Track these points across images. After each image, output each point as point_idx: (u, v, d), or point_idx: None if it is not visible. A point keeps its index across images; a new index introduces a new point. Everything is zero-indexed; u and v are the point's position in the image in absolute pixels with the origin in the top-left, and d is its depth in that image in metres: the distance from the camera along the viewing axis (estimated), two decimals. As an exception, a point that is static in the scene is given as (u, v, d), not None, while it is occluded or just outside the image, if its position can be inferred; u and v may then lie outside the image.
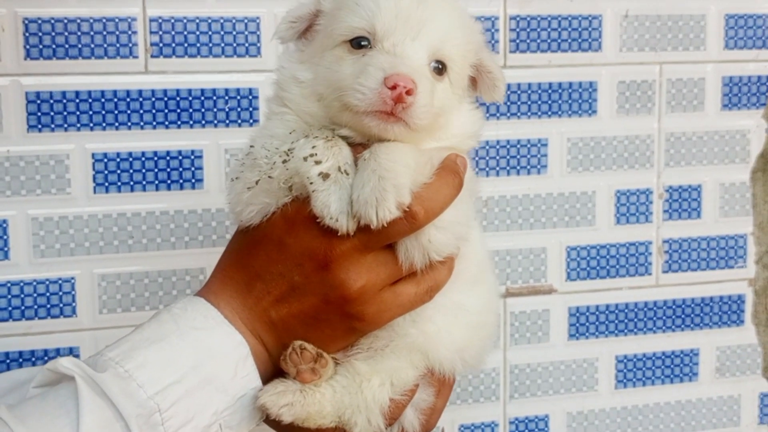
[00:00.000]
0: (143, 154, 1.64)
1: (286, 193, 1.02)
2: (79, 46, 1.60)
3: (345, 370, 1.07)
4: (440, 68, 1.07)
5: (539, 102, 1.80)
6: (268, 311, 1.05)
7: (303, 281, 1.03)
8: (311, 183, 0.98)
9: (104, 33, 1.61)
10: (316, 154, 1.00)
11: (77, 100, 1.60)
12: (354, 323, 1.04)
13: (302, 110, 1.08)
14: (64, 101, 1.60)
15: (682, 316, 1.93)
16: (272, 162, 1.02)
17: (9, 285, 1.61)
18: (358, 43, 1.04)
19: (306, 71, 1.09)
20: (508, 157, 1.80)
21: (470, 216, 1.12)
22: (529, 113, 1.80)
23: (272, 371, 1.07)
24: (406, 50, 1.03)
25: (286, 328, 1.05)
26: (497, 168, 1.80)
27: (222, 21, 1.65)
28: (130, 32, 1.62)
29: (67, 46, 1.59)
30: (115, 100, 1.62)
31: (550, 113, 1.81)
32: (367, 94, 1.00)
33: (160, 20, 1.63)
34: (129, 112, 1.63)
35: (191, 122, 1.66)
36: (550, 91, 1.81)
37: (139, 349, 0.98)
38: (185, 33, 1.64)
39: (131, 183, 1.64)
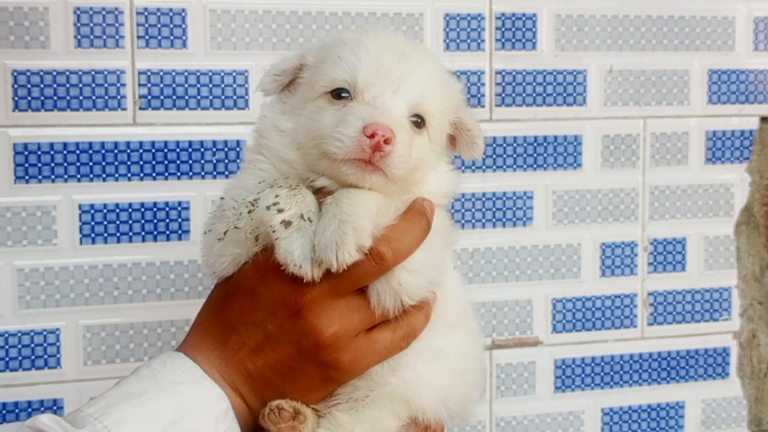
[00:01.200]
0: (130, 205, 1.64)
1: (254, 243, 1.03)
2: (68, 97, 1.61)
3: (327, 422, 1.06)
4: (419, 122, 1.08)
5: (525, 155, 1.82)
6: (244, 363, 1.04)
7: (276, 330, 1.03)
8: (274, 231, 0.99)
9: (93, 85, 1.62)
10: (278, 203, 1.00)
11: (65, 152, 1.61)
12: (330, 372, 1.04)
13: (280, 158, 1.09)
14: (52, 152, 1.60)
15: (668, 368, 1.93)
16: (239, 213, 1.03)
17: (-7, 336, 1.60)
18: (338, 95, 1.06)
19: (287, 121, 1.10)
20: (494, 209, 1.81)
21: (444, 261, 1.12)
22: (514, 166, 1.82)
23: (252, 424, 1.07)
24: (386, 102, 1.05)
25: (264, 380, 1.05)
26: (483, 220, 1.81)
27: (210, 74, 1.66)
28: (118, 84, 1.63)
29: (55, 97, 1.60)
30: (103, 151, 1.63)
31: (535, 166, 1.83)
32: (345, 141, 1.01)
33: (148, 73, 1.64)
34: (117, 163, 1.63)
35: (179, 174, 1.66)
36: (535, 144, 1.82)
37: (118, 404, 0.98)
38: (173, 85, 1.65)
39: (118, 234, 1.64)
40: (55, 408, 1.62)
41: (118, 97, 1.63)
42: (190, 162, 1.66)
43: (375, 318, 1.04)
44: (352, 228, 0.97)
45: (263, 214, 1.01)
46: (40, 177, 1.60)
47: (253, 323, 1.04)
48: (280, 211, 1.00)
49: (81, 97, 1.61)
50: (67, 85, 1.61)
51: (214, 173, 1.68)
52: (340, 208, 0.99)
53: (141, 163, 1.64)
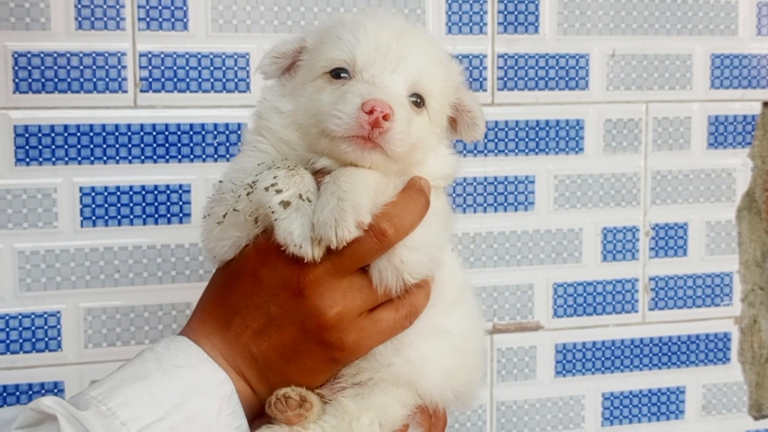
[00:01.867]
0: (131, 188, 1.64)
1: (254, 225, 1.03)
2: (69, 80, 1.60)
3: (333, 409, 1.06)
4: (418, 102, 1.08)
5: (526, 139, 1.81)
6: (248, 346, 1.04)
7: (279, 311, 1.03)
8: (273, 212, 0.99)
9: (94, 67, 1.61)
10: (276, 184, 1.00)
11: (66, 134, 1.61)
12: (334, 352, 1.04)
13: (280, 139, 1.09)
14: (53, 135, 1.60)
15: (669, 353, 1.93)
16: (237, 195, 1.03)
17: (-6, 319, 1.60)
18: (337, 75, 1.06)
19: (287, 103, 1.10)
20: (495, 193, 1.81)
21: (443, 240, 1.12)
22: (516, 150, 1.81)
23: (257, 408, 1.07)
24: (384, 80, 1.05)
25: (268, 363, 1.04)
26: (484, 204, 1.81)
27: (211, 56, 1.66)
28: (119, 67, 1.62)
29: (56, 80, 1.60)
30: (104, 134, 1.62)
31: (537, 150, 1.82)
32: (344, 119, 1.01)
33: (149, 55, 1.64)
34: (117, 146, 1.63)
35: (179, 157, 1.66)
36: (537, 128, 1.82)
37: (121, 387, 0.98)
38: (175, 68, 1.65)
39: (118, 217, 1.64)
40: (56, 391, 1.62)
41: (119, 79, 1.63)
42: (191, 145, 1.66)
43: (377, 297, 1.04)
44: (350, 205, 0.97)
45: (261, 195, 1.01)
46: (40, 159, 1.60)
47: (256, 306, 1.04)
48: (278, 191, 1.00)
49: (82, 80, 1.61)
50: (68, 67, 1.60)
51: (215, 156, 1.67)
52: (338, 186, 0.99)
53: (142, 145, 1.64)
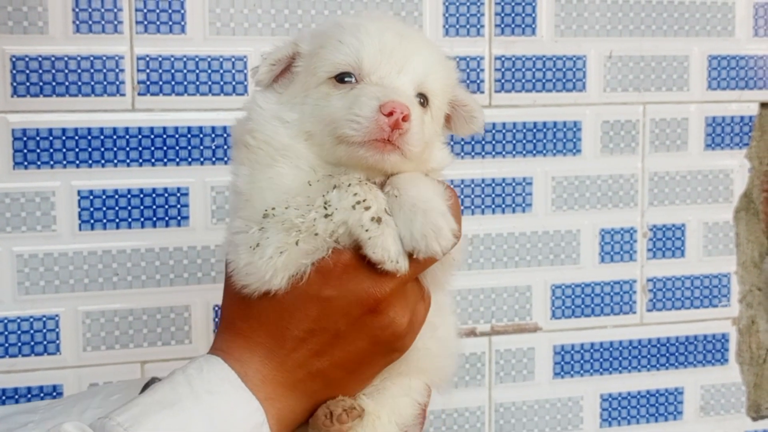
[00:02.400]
0: (129, 191, 1.64)
1: (330, 246, 0.99)
2: (66, 83, 1.60)
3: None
4: (423, 102, 1.07)
5: (524, 141, 1.82)
6: (305, 366, 1.01)
7: (349, 329, 1.00)
8: (366, 230, 0.97)
9: (91, 71, 1.61)
10: (364, 200, 0.98)
11: (64, 138, 1.61)
12: (394, 356, 1.04)
13: (285, 149, 1.05)
14: (51, 138, 1.60)
15: (667, 354, 1.93)
16: (312, 219, 0.99)
17: (-7, 322, 1.61)
18: (342, 79, 1.04)
19: (289, 111, 1.07)
20: (493, 195, 1.81)
21: None
22: (514, 152, 1.82)
23: (293, 427, 1.05)
24: (393, 82, 1.03)
25: (326, 380, 1.02)
26: (482, 206, 1.81)
27: (209, 59, 1.66)
28: (117, 70, 1.63)
29: (54, 83, 1.60)
30: (102, 137, 1.62)
31: (534, 152, 1.83)
32: (363, 123, 0.99)
33: (147, 58, 1.64)
34: (115, 149, 1.63)
35: (177, 160, 1.66)
36: (534, 130, 1.82)
37: (149, 414, 0.93)
38: (172, 71, 1.65)
39: (117, 220, 1.64)
40: (54, 394, 1.62)
41: (117, 82, 1.63)
42: (189, 148, 1.66)
43: (425, 297, 1.06)
44: (440, 215, 0.97)
45: (349, 214, 0.97)
46: (38, 163, 1.60)
47: (322, 329, 1.00)
48: (367, 208, 0.97)
49: (80, 83, 1.61)
50: (66, 71, 1.60)
51: (213, 159, 1.67)
52: (412, 196, 0.99)
53: (140, 149, 1.64)
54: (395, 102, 0.98)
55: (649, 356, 1.92)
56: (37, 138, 1.60)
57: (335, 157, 1.03)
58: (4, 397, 1.61)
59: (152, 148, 1.65)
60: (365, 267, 0.98)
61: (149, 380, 1.17)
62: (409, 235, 0.97)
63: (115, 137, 1.63)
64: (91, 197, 1.63)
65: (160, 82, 1.65)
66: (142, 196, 1.65)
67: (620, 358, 1.91)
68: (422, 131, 1.03)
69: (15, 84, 1.58)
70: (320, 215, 0.98)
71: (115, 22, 1.62)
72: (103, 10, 1.61)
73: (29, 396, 1.62)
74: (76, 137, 1.61)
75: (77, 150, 1.61)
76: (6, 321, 1.61)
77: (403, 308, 1.01)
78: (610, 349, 1.90)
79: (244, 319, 1.03)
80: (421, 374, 1.11)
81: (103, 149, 1.63)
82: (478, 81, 1.78)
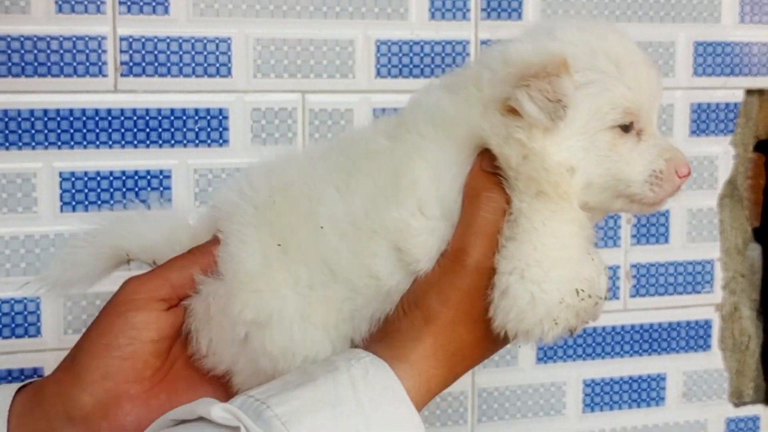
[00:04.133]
0: (111, 173, 1.63)
1: None
2: (48, 64, 1.59)
3: None
4: None
5: (509, 126, 1.81)
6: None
7: None
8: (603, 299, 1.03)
9: (74, 51, 1.60)
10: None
11: (45, 119, 1.59)
12: None
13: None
14: (32, 119, 1.59)
15: (650, 340, 1.93)
16: (593, 303, 1.00)
17: (-27, 304, 1.59)
18: (627, 128, 0.97)
19: (572, 158, 0.96)
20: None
21: None
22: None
23: None
24: (656, 130, 1.01)
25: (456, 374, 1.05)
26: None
27: (193, 41, 1.65)
28: (99, 51, 1.61)
29: (35, 63, 1.58)
30: (84, 118, 1.61)
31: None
32: (665, 187, 0.97)
33: (130, 39, 1.62)
34: (98, 131, 1.62)
35: (160, 142, 1.65)
36: (520, 115, 1.81)
37: (310, 412, 0.89)
38: (156, 52, 1.64)
39: (99, 202, 1.63)
40: (35, 376, 1.61)
41: (100, 63, 1.61)
42: (172, 130, 1.65)
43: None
44: None
45: (604, 288, 1.04)
46: (20, 144, 1.59)
47: None
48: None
49: (62, 64, 1.60)
50: (48, 51, 1.59)
51: (196, 142, 1.66)
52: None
53: (122, 130, 1.63)
54: (687, 164, 0.98)
55: (632, 342, 1.93)
56: (19, 119, 1.58)
57: (610, 206, 1.01)
58: (-16, 380, 1.61)
59: (135, 130, 1.63)
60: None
61: None
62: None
63: (97, 118, 1.62)
64: (73, 179, 1.62)
65: (143, 63, 1.63)
66: (124, 178, 1.64)
67: (603, 344, 1.91)
68: None
69: (-4, 64, 1.57)
70: (592, 304, 1.01)
71: (98, 3, 1.60)
72: (85, -10, 1.60)
73: (10, 378, 1.61)
74: (58, 118, 1.60)
75: (59, 131, 1.60)
76: (-14, 303, 1.60)
77: None
78: (593, 334, 1.90)
79: (441, 332, 1.00)
80: None
81: (85, 130, 1.61)
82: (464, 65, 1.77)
